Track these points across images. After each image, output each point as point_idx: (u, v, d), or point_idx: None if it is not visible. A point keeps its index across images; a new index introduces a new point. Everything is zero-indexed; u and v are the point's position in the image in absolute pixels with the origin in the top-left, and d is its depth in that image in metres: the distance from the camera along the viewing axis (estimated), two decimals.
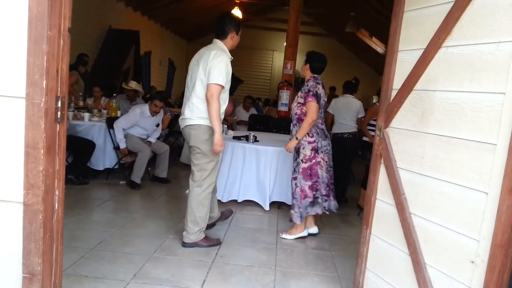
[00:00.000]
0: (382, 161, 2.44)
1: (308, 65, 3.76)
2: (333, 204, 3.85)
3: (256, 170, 4.70)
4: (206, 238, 3.47)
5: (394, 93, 2.38)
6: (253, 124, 6.92)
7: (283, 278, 3.01)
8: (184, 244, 3.42)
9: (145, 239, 3.51)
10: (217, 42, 3.35)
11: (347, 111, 5.19)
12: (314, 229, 3.95)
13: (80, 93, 6.48)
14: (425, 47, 2.16)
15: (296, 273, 3.13)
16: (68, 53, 1.75)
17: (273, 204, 4.79)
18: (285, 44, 7.49)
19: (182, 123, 3.39)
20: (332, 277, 3.11)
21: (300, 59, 11.97)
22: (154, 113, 5.27)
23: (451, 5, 2.02)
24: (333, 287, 2.96)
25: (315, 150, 3.68)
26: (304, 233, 3.86)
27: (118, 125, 5.14)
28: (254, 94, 11.89)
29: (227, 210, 4.18)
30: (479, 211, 1.83)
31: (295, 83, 9.38)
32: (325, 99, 3.78)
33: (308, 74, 3.77)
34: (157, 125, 5.50)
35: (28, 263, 1.68)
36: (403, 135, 2.30)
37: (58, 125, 1.74)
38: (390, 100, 2.40)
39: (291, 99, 7.36)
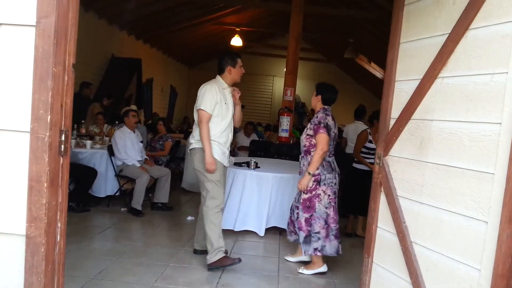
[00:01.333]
0: (382, 189, 2.46)
1: (319, 97, 3.69)
2: (329, 247, 3.59)
3: (257, 197, 4.69)
4: (225, 257, 3.55)
5: (392, 122, 2.42)
6: (254, 149, 6.95)
7: None
8: (208, 267, 3.54)
9: (146, 268, 3.49)
10: (217, 77, 3.71)
11: (355, 135, 5.64)
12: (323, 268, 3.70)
13: (82, 121, 6.53)
14: (421, 77, 2.21)
15: None
16: (72, 87, 1.80)
17: (274, 230, 4.77)
18: (285, 70, 7.58)
19: (188, 149, 3.79)
20: None
21: (300, 85, 12.14)
22: (134, 124, 5.49)
23: (445, 37, 2.08)
24: None
25: (317, 182, 3.56)
26: (323, 269, 3.66)
27: (117, 158, 5.32)
28: (254, 119, 11.98)
29: (236, 258, 3.65)
30: (479, 240, 1.83)
31: (296, 108, 9.47)
32: (335, 131, 3.68)
33: (319, 105, 3.70)
34: (141, 141, 5.68)
35: None
36: (402, 164, 2.33)
37: (61, 158, 1.78)
38: (388, 129, 2.43)
39: (291, 125, 7.42)
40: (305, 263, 3.79)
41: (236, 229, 4.67)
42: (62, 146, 1.76)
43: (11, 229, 1.71)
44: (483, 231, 1.82)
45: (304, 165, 3.67)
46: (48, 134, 1.67)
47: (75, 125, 6.16)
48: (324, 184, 3.58)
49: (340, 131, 7.01)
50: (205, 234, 3.56)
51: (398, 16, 2.42)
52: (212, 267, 3.50)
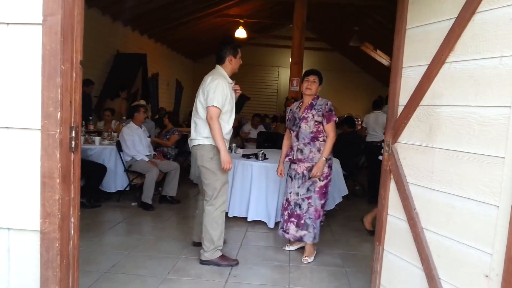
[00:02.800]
0: (392, 177, 2.45)
1: (319, 84, 3.73)
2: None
3: (265, 188, 4.71)
4: (223, 256, 3.52)
5: (400, 109, 2.41)
6: (261, 141, 6.96)
7: None
8: (201, 262, 3.50)
9: (158, 261, 3.52)
10: (217, 67, 3.57)
11: (376, 124, 6.43)
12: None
13: (90, 117, 6.58)
14: (429, 63, 2.19)
15: None
16: (81, 84, 1.82)
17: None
18: (290, 61, 7.56)
19: (190, 144, 3.59)
20: None
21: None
22: (143, 120, 5.59)
23: (452, 21, 2.06)
24: None
25: (330, 167, 3.71)
26: (315, 249, 3.87)
27: (126, 154, 5.35)
28: (261, 111, 11.97)
29: (234, 260, 3.65)
30: (491, 225, 1.83)
31: None
32: None
33: (315, 92, 3.69)
34: (149, 136, 5.73)
35: None
36: (411, 151, 2.32)
37: (72, 154, 1.79)
38: (397, 116, 2.42)
39: None
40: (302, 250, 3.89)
41: (249, 219, 4.72)
42: (73, 142, 1.78)
43: (26, 225, 1.74)
44: (494, 215, 1.81)
45: (312, 151, 3.63)
46: (58, 131, 1.69)
47: (84, 122, 6.21)
48: (332, 168, 3.78)
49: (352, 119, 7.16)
50: (206, 231, 3.46)
51: (404, 2, 2.39)
52: (206, 263, 3.47)
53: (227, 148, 3.47)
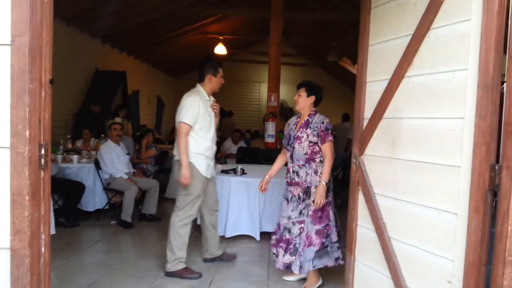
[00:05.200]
0: (359, 188, 2.53)
1: (313, 97, 3.39)
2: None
3: (246, 203, 4.75)
4: (186, 269, 3.57)
5: (365, 122, 2.50)
6: (241, 156, 7.01)
7: None
8: (165, 273, 3.58)
9: (137, 279, 3.51)
10: (197, 85, 3.67)
11: None
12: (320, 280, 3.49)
13: (68, 136, 6.55)
14: (390, 77, 2.30)
15: None
16: (50, 103, 1.86)
17: (264, 234, 4.81)
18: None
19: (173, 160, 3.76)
20: None
21: (286, 90, 12.18)
22: (117, 137, 5.52)
23: (410, 37, 2.17)
24: None
25: (327, 189, 3.27)
26: (320, 281, 3.47)
27: (104, 172, 5.36)
28: (243, 126, 12.05)
29: (231, 254, 4.06)
30: (451, 232, 1.91)
31: (283, 112, 9.46)
32: None
33: (309, 107, 3.39)
34: (127, 154, 5.73)
35: None
36: (377, 162, 2.41)
37: (42, 172, 1.82)
38: (362, 129, 2.51)
39: (277, 130, 7.49)
40: (304, 280, 3.51)
41: (227, 236, 4.70)
42: (42, 160, 1.81)
43: None
44: (453, 222, 1.90)
45: (308, 174, 3.28)
46: (27, 148, 1.72)
47: (61, 141, 6.18)
48: (331, 190, 3.37)
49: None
50: (168, 241, 3.57)
51: (365, 19, 2.52)
52: (170, 275, 3.54)
53: (212, 163, 3.69)
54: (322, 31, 11.57)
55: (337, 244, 3.30)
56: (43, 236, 1.83)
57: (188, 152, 3.48)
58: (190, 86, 3.71)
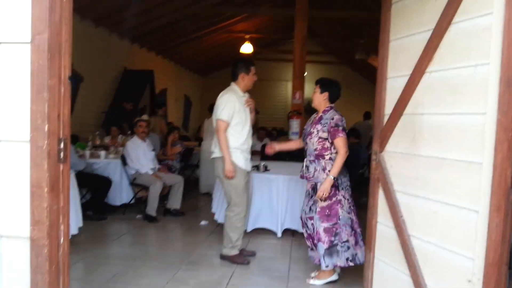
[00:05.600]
0: (380, 185, 2.48)
1: (326, 94, 3.38)
2: (361, 254, 3.27)
3: (268, 199, 4.76)
4: (238, 255, 3.84)
5: (386, 118, 2.45)
6: (265, 153, 7.00)
7: None
8: (220, 256, 3.89)
9: (158, 271, 3.57)
10: (231, 84, 3.86)
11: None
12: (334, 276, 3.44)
13: (97, 132, 6.72)
14: (411, 73, 2.24)
15: None
16: (69, 98, 1.90)
17: (286, 231, 4.80)
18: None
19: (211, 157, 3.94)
20: None
21: (311, 88, 12.11)
22: (142, 134, 5.59)
23: (430, 32, 2.11)
24: None
25: (335, 187, 3.28)
26: (335, 277, 3.41)
27: (130, 168, 5.46)
28: (269, 125, 12.03)
29: (250, 251, 4.12)
30: (471, 230, 1.85)
31: (309, 110, 9.40)
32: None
33: (324, 104, 3.40)
34: (153, 150, 5.82)
35: None
36: (397, 158, 2.36)
37: (61, 165, 1.87)
38: (383, 125, 2.46)
39: (301, 128, 7.44)
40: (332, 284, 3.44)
41: (248, 230, 4.71)
42: (61, 154, 1.86)
43: (17, 232, 1.82)
44: (474, 220, 1.84)
45: (316, 170, 3.33)
46: (46, 142, 1.77)
47: (90, 137, 6.36)
48: (343, 189, 3.33)
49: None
50: (226, 233, 3.82)
51: (386, 15, 2.47)
52: (224, 259, 3.82)
53: (249, 157, 3.87)
54: (349, 29, 11.43)
55: (348, 244, 3.27)
56: (62, 227, 1.88)
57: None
58: (218, 85, 3.82)
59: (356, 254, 3.30)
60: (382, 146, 2.47)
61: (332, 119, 3.30)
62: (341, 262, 3.26)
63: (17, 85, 1.80)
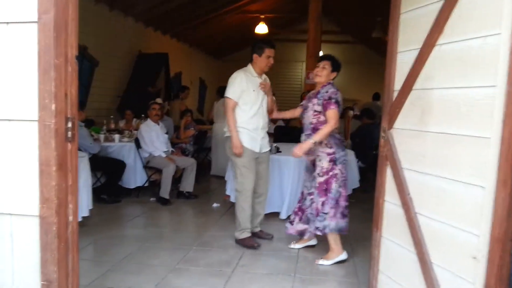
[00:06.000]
0: (388, 163, 2.45)
1: (335, 73, 3.50)
2: (334, 224, 3.41)
3: (279, 181, 4.76)
4: (249, 238, 3.84)
5: (395, 94, 2.40)
6: (278, 135, 7.00)
7: (301, 285, 3.05)
8: (235, 241, 3.92)
9: (170, 252, 3.64)
10: (248, 65, 3.88)
11: None
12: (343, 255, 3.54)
13: (112, 116, 6.80)
14: (421, 46, 2.18)
15: (316, 280, 3.16)
16: (77, 78, 1.92)
17: None
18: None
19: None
20: (352, 283, 3.11)
21: None
22: (155, 116, 5.66)
23: (442, 3, 2.04)
24: None
25: (333, 162, 3.42)
26: (344, 256, 3.51)
27: (144, 151, 5.52)
28: (286, 107, 11.96)
29: (269, 234, 4.12)
30: (477, 206, 1.82)
31: None
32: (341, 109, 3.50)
33: (326, 80, 3.47)
34: (166, 133, 5.88)
35: (45, 271, 1.83)
36: (405, 135, 2.32)
37: (69, 144, 1.90)
38: (392, 101, 2.42)
39: None
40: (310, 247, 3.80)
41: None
42: (69, 133, 1.88)
43: (27, 210, 1.86)
44: (480, 196, 1.80)
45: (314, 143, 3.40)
46: (53, 121, 1.79)
47: (105, 121, 6.44)
48: (340, 163, 3.44)
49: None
50: (235, 214, 3.87)
51: None
52: (237, 243, 3.86)
53: (260, 138, 3.84)
54: (365, 7, 11.17)
55: (325, 215, 3.41)
56: (70, 206, 1.92)
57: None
58: (233, 67, 3.86)
59: (327, 225, 3.43)
60: (390, 123, 2.43)
61: (327, 92, 3.41)
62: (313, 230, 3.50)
63: (25, 65, 1.82)
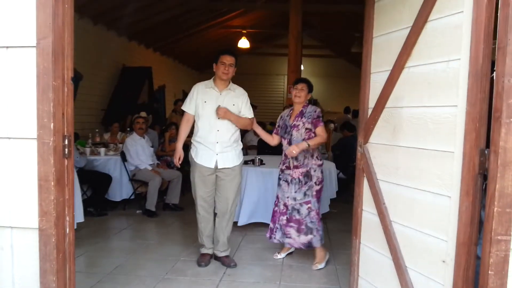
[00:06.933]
0: (364, 175, 2.63)
1: (310, 95, 3.87)
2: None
3: (263, 192, 4.89)
4: (200, 255, 3.78)
5: (370, 112, 2.60)
6: (261, 148, 7.16)
7: None
8: None
9: (158, 263, 3.73)
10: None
11: None
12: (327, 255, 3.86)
13: (97, 129, 6.87)
14: (391, 68, 2.38)
15: (300, 287, 3.30)
16: (72, 98, 2.05)
17: None
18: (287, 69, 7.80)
19: None
20: None
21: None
22: (140, 130, 5.75)
23: (409, 29, 2.25)
24: None
25: (322, 173, 3.82)
26: (327, 256, 3.84)
27: (130, 164, 5.62)
28: (268, 119, 12.18)
29: (232, 260, 3.76)
30: (445, 214, 2.00)
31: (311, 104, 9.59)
32: None
33: (304, 99, 3.80)
34: (152, 146, 5.95)
35: (44, 281, 1.94)
36: (380, 150, 2.51)
37: (66, 160, 2.02)
38: (367, 118, 2.61)
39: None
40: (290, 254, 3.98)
41: (240, 224, 4.78)
42: (66, 150, 2.01)
43: (26, 223, 1.97)
44: (447, 205, 1.99)
45: (306, 157, 3.70)
46: (52, 139, 1.92)
47: (90, 134, 6.50)
48: (323, 173, 3.85)
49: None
50: None
51: (370, 12, 2.60)
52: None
53: (204, 150, 3.57)
54: (344, 23, 11.54)
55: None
56: (67, 218, 2.03)
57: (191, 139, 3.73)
58: None
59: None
60: (366, 138, 2.62)
61: (315, 111, 3.77)
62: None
63: (23, 86, 1.95)
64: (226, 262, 3.71)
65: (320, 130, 3.73)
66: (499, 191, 1.70)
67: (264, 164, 5.11)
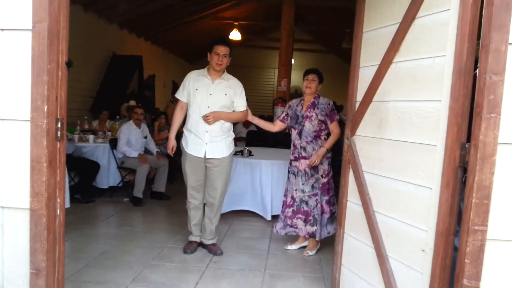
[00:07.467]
0: (350, 166, 2.70)
1: (321, 85, 3.88)
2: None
3: (251, 182, 4.96)
4: (188, 242, 3.84)
5: (357, 105, 2.66)
6: (250, 140, 7.22)
7: (271, 280, 3.26)
8: None
9: (145, 249, 3.78)
10: None
11: None
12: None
13: (85, 117, 6.84)
14: (379, 63, 2.45)
15: (284, 275, 3.38)
16: (66, 82, 2.08)
17: (275, 217, 5.02)
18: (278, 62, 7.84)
19: None
20: (317, 278, 3.35)
21: (297, 75, 12.29)
22: (137, 121, 5.75)
23: (398, 25, 2.31)
24: (317, 286, 3.20)
25: (330, 165, 3.85)
26: (319, 245, 3.96)
27: (119, 150, 5.62)
28: (258, 112, 12.23)
29: (218, 248, 3.82)
30: (426, 205, 2.08)
31: (296, 96, 9.65)
32: None
33: (315, 91, 3.82)
34: (145, 137, 5.95)
35: (34, 261, 1.97)
36: (366, 142, 2.58)
37: (58, 143, 2.05)
38: (354, 111, 2.68)
39: None
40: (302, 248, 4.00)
41: (223, 211, 4.62)
42: (59, 132, 2.04)
43: (18, 203, 2.00)
44: (428, 196, 2.07)
45: (315, 149, 3.74)
46: (45, 121, 1.94)
47: (79, 121, 6.48)
48: (331, 165, 3.91)
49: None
50: None
51: (361, 7, 2.65)
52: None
53: (194, 139, 3.60)
54: (337, 18, 11.59)
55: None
56: (58, 200, 2.06)
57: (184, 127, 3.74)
58: None
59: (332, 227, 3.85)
60: (353, 131, 2.68)
61: (329, 104, 3.80)
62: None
63: (18, 69, 1.97)
64: (213, 249, 3.76)
65: (334, 126, 3.77)
66: (477, 183, 1.78)
67: (252, 155, 5.17)
